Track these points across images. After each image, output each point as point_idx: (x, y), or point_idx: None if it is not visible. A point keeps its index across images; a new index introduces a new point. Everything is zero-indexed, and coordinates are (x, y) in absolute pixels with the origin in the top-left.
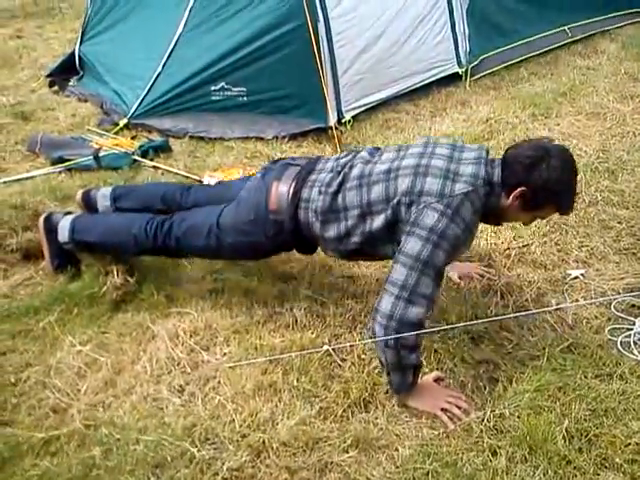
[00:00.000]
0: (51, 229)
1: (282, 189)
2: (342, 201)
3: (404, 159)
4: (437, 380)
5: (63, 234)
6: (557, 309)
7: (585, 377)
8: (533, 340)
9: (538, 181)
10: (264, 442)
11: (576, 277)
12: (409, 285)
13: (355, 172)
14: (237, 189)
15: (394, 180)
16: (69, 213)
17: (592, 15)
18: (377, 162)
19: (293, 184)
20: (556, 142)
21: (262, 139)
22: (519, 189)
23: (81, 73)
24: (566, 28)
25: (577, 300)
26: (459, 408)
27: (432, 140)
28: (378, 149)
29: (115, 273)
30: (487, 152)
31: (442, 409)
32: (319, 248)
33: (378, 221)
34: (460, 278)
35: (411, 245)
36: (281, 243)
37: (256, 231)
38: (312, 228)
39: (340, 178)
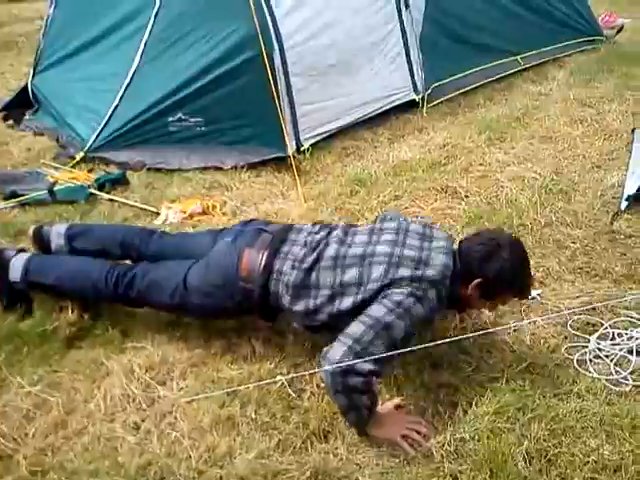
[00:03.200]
0: (2, 267)
1: (254, 257)
2: (315, 279)
3: (377, 245)
4: (397, 407)
5: (15, 274)
6: (515, 330)
7: (543, 397)
8: (492, 362)
9: (492, 273)
10: (221, 478)
11: (533, 298)
12: (363, 341)
13: (330, 252)
14: (204, 245)
15: (368, 266)
16: (22, 250)
17: (542, 44)
18: (351, 244)
19: (265, 253)
20: (505, 232)
21: (221, 169)
22: (476, 281)
23: (36, 106)
24: (518, 58)
25: (534, 320)
26: (419, 433)
27: (403, 226)
28: (352, 226)
29: (69, 309)
30: (453, 242)
31: (402, 436)
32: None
33: (347, 302)
34: None
35: (375, 309)
36: (246, 308)
37: (223, 295)
38: (281, 300)
39: (314, 255)
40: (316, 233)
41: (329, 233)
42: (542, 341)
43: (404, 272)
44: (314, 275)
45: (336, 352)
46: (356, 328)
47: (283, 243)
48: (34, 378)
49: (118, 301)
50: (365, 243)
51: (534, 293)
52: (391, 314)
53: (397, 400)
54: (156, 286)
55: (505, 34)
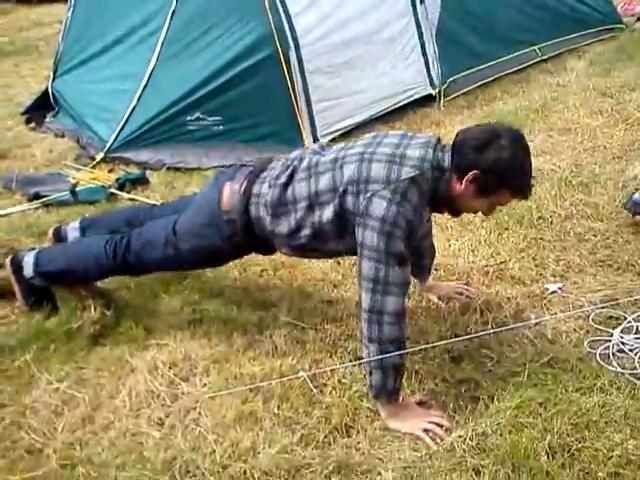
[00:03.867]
0: (18, 267)
1: (234, 188)
2: (291, 193)
3: (351, 149)
4: (419, 404)
5: (28, 269)
6: (536, 324)
7: (566, 391)
8: (513, 357)
9: (489, 162)
10: (245, 472)
11: (554, 291)
12: (381, 278)
13: (304, 164)
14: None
15: (340, 169)
16: (34, 249)
17: (560, 34)
18: (325, 154)
19: (245, 182)
20: (505, 124)
21: None
22: (471, 173)
23: (56, 109)
24: (536, 48)
25: (555, 314)
26: (441, 427)
27: (382, 134)
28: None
29: (92, 308)
30: (438, 139)
31: (424, 430)
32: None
33: (327, 212)
34: (440, 299)
35: (367, 238)
36: (238, 245)
37: (211, 233)
38: (264, 224)
39: (289, 171)
40: (292, 153)
41: (305, 151)
42: (564, 335)
43: (378, 170)
44: (290, 190)
45: (365, 299)
46: (367, 268)
47: (263, 171)
48: (61, 375)
49: (120, 271)
50: (338, 149)
51: (555, 287)
52: (382, 236)
53: (419, 397)
54: (149, 244)
55: (522, 25)
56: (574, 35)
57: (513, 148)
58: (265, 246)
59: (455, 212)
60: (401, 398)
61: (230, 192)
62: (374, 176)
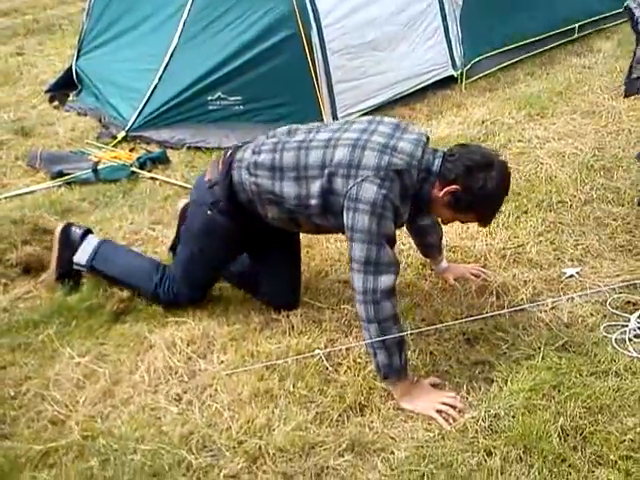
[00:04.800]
0: (67, 243)
1: (216, 162)
2: (279, 160)
3: (346, 132)
4: (433, 385)
5: (82, 256)
6: (552, 307)
7: (580, 375)
8: (528, 339)
9: (474, 186)
10: (260, 448)
11: (571, 275)
12: (373, 258)
13: (297, 137)
14: None
15: (332, 148)
16: (89, 232)
17: (591, 14)
18: (320, 130)
19: (228, 152)
20: (502, 158)
21: None
22: (453, 186)
23: (79, 88)
24: (576, 26)
25: (572, 298)
26: (454, 408)
27: (377, 119)
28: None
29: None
30: (427, 138)
31: (437, 410)
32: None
33: (314, 188)
34: (456, 280)
35: (360, 221)
36: (226, 214)
37: (200, 211)
38: (246, 188)
39: (276, 139)
40: (282, 131)
41: (298, 127)
42: (580, 319)
43: (370, 157)
44: (278, 157)
45: (357, 282)
46: (359, 250)
47: (247, 142)
48: (82, 350)
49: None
50: (334, 130)
51: (572, 271)
52: (374, 218)
53: (433, 378)
54: (180, 267)
55: (557, 4)
56: (603, 15)
57: (499, 182)
58: (252, 217)
59: (421, 209)
60: (415, 379)
61: (212, 165)
62: (365, 163)
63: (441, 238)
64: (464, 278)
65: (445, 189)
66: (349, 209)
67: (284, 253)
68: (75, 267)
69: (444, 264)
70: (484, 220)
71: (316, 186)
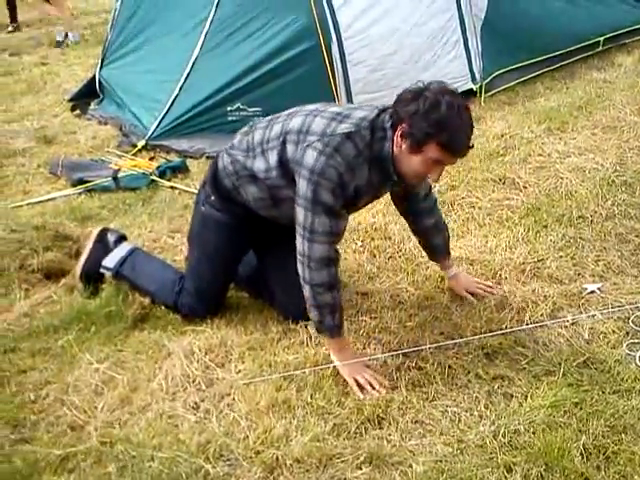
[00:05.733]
0: (100, 246)
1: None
2: (251, 140)
3: (309, 105)
4: (367, 366)
5: (111, 260)
6: (573, 323)
7: (603, 392)
8: (548, 355)
9: (410, 113)
10: (278, 459)
11: (593, 291)
12: (307, 225)
13: (268, 117)
14: None
15: (290, 119)
16: (124, 239)
17: (618, 29)
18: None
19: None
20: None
21: None
22: (399, 127)
23: (101, 97)
24: (601, 39)
25: (593, 314)
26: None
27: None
28: None
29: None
30: (385, 106)
31: (356, 380)
32: None
33: (273, 157)
34: (472, 294)
35: (300, 186)
36: (216, 206)
37: (196, 211)
38: (228, 171)
39: (253, 122)
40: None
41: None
42: (601, 336)
43: (319, 122)
44: (250, 137)
45: (298, 244)
46: (299, 214)
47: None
48: (101, 356)
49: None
50: (300, 107)
51: (594, 287)
52: (310, 185)
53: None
54: (189, 274)
55: (579, 20)
56: (624, 30)
57: (436, 100)
58: (245, 209)
59: (408, 184)
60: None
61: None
62: (313, 129)
63: (448, 239)
64: (470, 291)
65: (395, 135)
66: (297, 174)
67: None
68: (101, 270)
69: (454, 270)
70: (448, 145)
71: (274, 155)
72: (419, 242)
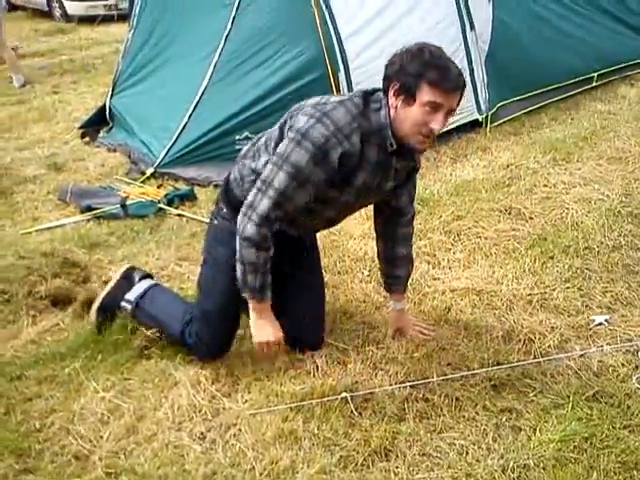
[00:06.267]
0: (124, 283)
1: None
2: (257, 143)
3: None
4: (277, 340)
5: (132, 294)
6: (581, 356)
7: (613, 427)
8: (557, 388)
9: (396, 67)
10: None
11: (600, 323)
12: (269, 179)
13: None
14: None
15: (290, 117)
16: (148, 277)
17: (618, 62)
18: None
19: None
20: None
21: None
22: (391, 86)
23: (110, 124)
24: (595, 75)
25: (602, 347)
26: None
27: None
28: None
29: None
30: None
31: (260, 344)
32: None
33: (272, 148)
34: (395, 332)
35: (281, 146)
36: (234, 222)
37: (210, 227)
38: (237, 179)
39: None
40: None
41: None
42: (610, 369)
43: (314, 99)
44: (259, 139)
45: (249, 196)
46: (266, 169)
47: None
48: (107, 384)
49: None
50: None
51: (601, 318)
52: (290, 143)
53: (281, 333)
54: (199, 293)
55: (580, 50)
56: (630, 63)
57: (418, 49)
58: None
59: (410, 148)
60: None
61: None
62: (308, 102)
63: (409, 275)
64: (403, 331)
65: (389, 94)
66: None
67: (306, 290)
68: (122, 303)
69: (401, 305)
70: (436, 79)
71: (274, 145)
72: (381, 269)
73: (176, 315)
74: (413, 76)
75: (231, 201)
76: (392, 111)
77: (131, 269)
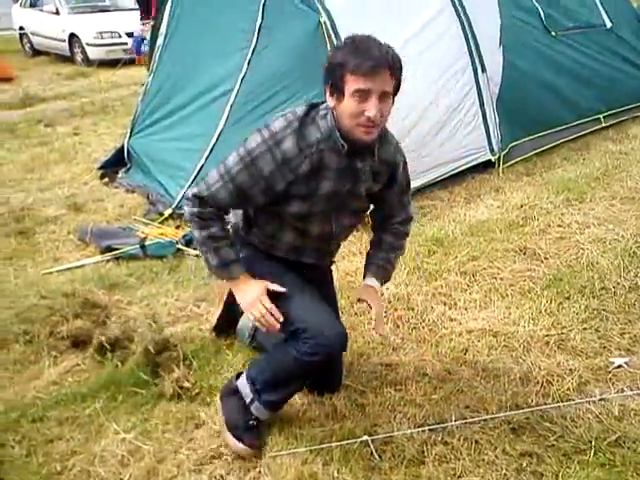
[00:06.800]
0: (231, 397)
1: None
2: None
3: None
4: (267, 289)
5: (247, 394)
6: (601, 399)
7: (637, 474)
8: (577, 432)
9: (326, 68)
10: None
11: (620, 366)
12: (227, 160)
13: None
14: None
15: None
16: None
17: (626, 104)
18: None
19: None
20: None
21: None
22: (326, 89)
23: (129, 165)
24: (601, 117)
25: (622, 390)
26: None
27: None
28: None
29: (178, 370)
30: None
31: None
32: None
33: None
34: (359, 300)
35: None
36: (247, 246)
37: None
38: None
39: None
40: None
41: None
42: (632, 413)
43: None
44: None
45: (211, 174)
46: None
47: None
48: (128, 426)
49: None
50: None
51: (621, 361)
52: (237, 156)
53: (267, 283)
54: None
55: (587, 94)
56: (638, 104)
57: (336, 47)
58: (263, 241)
59: (358, 141)
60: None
61: None
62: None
63: (389, 264)
64: (364, 300)
65: (328, 97)
66: None
67: None
68: (253, 412)
69: (370, 282)
70: (354, 66)
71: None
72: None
73: (281, 353)
74: (336, 71)
75: (236, 233)
76: (334, 111)
77: (226, 390)
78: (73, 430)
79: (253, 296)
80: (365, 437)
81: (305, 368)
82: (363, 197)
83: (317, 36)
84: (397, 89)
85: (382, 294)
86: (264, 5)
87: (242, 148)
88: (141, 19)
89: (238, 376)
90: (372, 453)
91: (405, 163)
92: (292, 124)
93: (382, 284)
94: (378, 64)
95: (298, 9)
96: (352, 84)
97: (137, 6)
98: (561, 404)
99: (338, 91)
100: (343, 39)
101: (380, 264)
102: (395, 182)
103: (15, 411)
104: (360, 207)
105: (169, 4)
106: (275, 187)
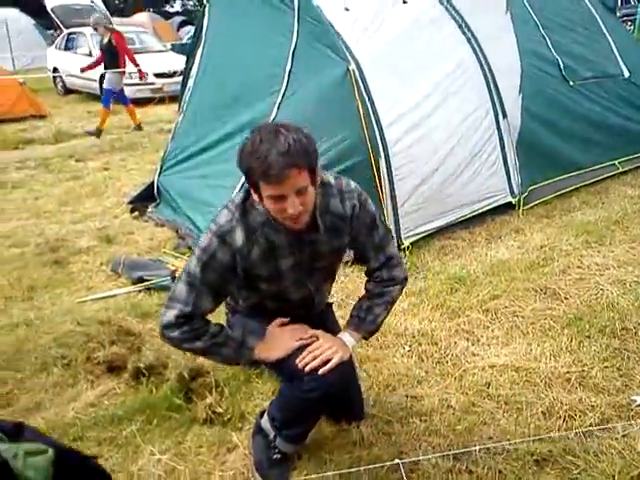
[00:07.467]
0: (258, 438)
1: None
2: None
3: None
4: (281, 325)
5: (267, 427)
6: (624, 435)
7: None
8: (601, 466)
9: (239, 166)
10: None
11: None
12: (170, 293)
13: None
14: None
15: None
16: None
17: (633, 152)
18: None
19: None
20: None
21: None
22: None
23: (158, 200)
24: (616, 162)
25: None
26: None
27: None
28: None
29: (211, 396)
30: None
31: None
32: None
33: None
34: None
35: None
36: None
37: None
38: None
39: None
40: None
41: None
42: None
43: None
44: None
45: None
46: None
47: None
48: (163, 447)
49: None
50: None
51: None
52: (194, 256)
53: (282, 319)
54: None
55: (603, 139)
56: None
57: (242, 144)
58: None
59: (289, 226)
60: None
61: None
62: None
63: (373, 314)
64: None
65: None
66: None
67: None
68: (275, 454)
69: (340, 334)
70: (261, 176)
71: None
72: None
73: (288, 392)
74: (248, 176)
75: (226, 303)
76: (260, 201)
77: (254, 429)
78: (111, 450)
79: (281, 345)
80: (397, 460)
81: (311, 404)
82: (329, 254)
83: (345, 84)
84: (314, 172)
85: (351, 352)
86: (294, 51)
87: (197, 249)
88: (106, 68)
89: (262, 414)
90: (402, 477)
91: (362, 202)
92: (234, 214)
93: (364, 335)
94: (281, 172)
95: (327, 57)
96: (265, 190)
97: (165, 48)
98: (583, 431)
99: (257, 193)
100: (250, 132)
101: (355, 314)
102: (358, 223)
103: (56, 430)
104: (332, 261)
105: (200, 47)
106: (237, 273)
